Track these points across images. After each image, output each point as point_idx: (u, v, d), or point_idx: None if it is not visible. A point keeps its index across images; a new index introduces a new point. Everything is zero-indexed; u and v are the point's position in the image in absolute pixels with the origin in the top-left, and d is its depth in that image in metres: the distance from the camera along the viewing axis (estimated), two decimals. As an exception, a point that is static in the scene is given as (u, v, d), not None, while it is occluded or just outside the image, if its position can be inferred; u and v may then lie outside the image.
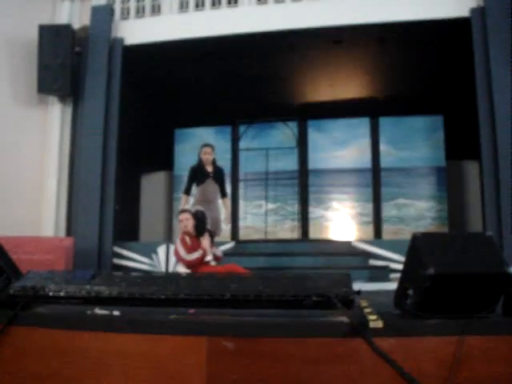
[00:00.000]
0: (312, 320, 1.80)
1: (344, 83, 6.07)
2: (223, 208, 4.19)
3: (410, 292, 1.82)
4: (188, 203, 4.07)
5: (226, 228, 4.56)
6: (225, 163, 6.83)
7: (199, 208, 3.74)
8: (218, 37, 5.21)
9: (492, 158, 4.49)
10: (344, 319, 1.70)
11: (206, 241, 3.36)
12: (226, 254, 5.23)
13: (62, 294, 1.99)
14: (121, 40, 5.48)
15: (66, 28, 5.38)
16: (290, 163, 6.76)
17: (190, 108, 6.54)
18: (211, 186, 3.98)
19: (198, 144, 7.48)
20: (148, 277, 2.18)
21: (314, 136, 6.80)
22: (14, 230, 4.47)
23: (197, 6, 5.57)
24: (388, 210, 6.36)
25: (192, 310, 1.97)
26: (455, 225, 6.09)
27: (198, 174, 4.02)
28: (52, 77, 5.25)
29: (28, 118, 5.49)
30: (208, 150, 4.03)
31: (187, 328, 1.77)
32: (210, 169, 4.01)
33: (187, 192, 4.09)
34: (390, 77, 5.89)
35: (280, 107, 6.50)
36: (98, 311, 1.92)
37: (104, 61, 5.34)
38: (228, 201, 4.26)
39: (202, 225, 3.51)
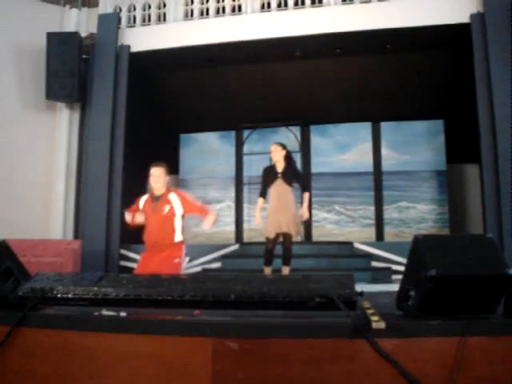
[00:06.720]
0: (315, 321, 1.81)
1: (346, 88, 6.11)
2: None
3: (412, 293, 1.83)
4: (261, 207, 3.97)
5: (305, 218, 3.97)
6: (229, 167, 6.90)
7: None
8: (222, 44, 5.28)
9: (492, 161, 4.50)
10: (347, 320, 1.70)
11: None
12: (231, 255, 5.27)
13: (69, 295, 2.00)
14: (127, 47, 5.57)
15: (74, 35, 5.47)
16: (293, 167, 6.83)
17: (195, 113, 6.61)
18: (281, 186, 3.84)
19: (203, 148, 7.49)
20: (154, 278, 2.20)
21: (317, 140, 6.85)
22: (22, 233, 4.54)
23: (201, 14, 5.66)
24: (390, 213, 6.38)
25: (197, 311, 1.99)
26: (456, 227, 6.09)
27: (269, 175, 3.93)
28: (60, 83, 5.34)
29: (36, 123, 5.58)
30: (272, 147, 3.94)
31: (193, 329, 1.78)
32: (280, 168, 3.89)
33: (262, 195, 3.98)
34: (391, 82, 5.93)
35: (283, 112, 6.55)
36: (105, 312, 1.93)
37: (111, 67, 5.43)
38: (307, 194, 3.91)
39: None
